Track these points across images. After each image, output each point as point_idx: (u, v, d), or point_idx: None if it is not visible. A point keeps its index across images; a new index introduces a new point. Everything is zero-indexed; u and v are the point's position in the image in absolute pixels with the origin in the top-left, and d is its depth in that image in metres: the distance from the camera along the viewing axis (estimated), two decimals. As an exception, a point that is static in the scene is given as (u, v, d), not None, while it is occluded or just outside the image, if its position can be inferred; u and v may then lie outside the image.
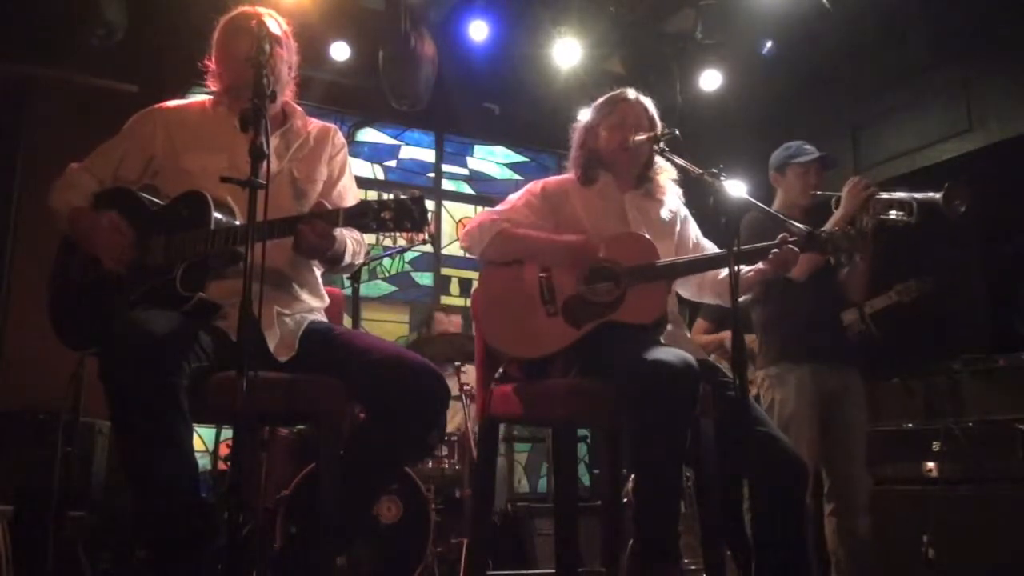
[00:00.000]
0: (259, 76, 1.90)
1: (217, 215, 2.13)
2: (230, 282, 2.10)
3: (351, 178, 2.48)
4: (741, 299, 2.17)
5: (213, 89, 2.41)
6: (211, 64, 2.39)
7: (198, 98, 2.47)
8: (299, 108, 2.46)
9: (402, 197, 1.99)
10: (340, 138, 2.48)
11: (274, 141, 2.30)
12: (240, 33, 2.27)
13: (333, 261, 2.28)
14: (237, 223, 2.15)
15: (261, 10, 2.33)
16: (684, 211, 2.74)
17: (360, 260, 2.39)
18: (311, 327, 2.26)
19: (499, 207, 2.63)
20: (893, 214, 3.09)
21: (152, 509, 1.91)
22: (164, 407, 1.87)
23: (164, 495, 1.89)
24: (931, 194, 3.01)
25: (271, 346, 2.15)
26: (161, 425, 1.87)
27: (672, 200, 2.69)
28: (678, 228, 2.69)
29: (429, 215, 2.06)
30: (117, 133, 2.39)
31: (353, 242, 2.31)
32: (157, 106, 2.40)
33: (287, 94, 2.41)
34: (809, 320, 3.20)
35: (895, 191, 3.13)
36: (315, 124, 2.47)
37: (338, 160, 2.44)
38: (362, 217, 2.01)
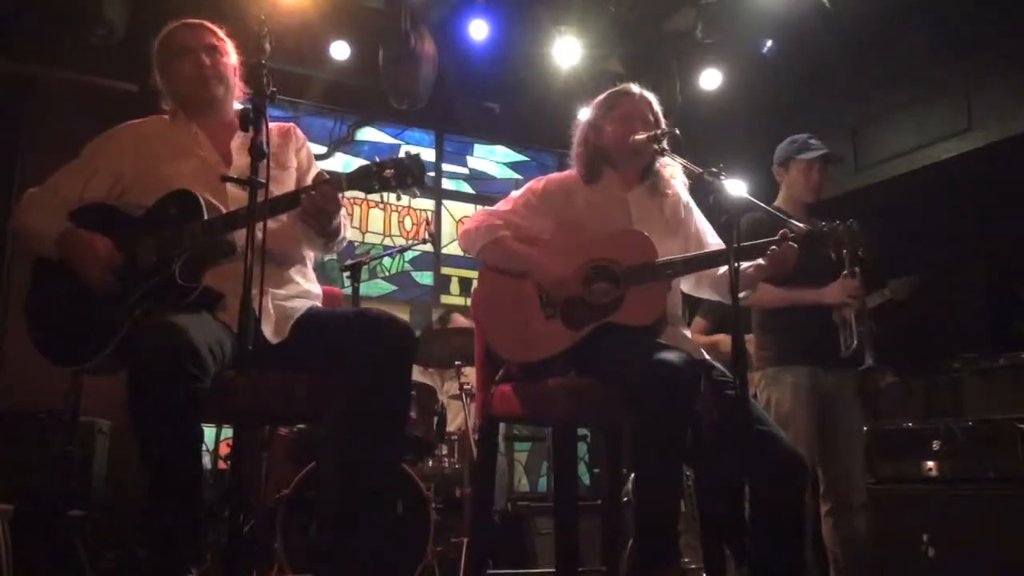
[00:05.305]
0: (259, 76, 1.92)
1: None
2: (227, 267, 2.13)
3: (318, 170, 2.52)
4: (741, 294, 2.16)
5: (165, 107, 2.44)
6: (158, 83, 2.42)
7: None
8: None
9: (399, 156, 2.08)
10: (300, 133, 2.53)
11: (237, 141, 2.34)
12: (181, 53, 2.35)
13: (333, 234, 2.29)
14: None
15: (194, 22, 2.40)
16: (690, 201, 2.68)
17: (347, 233, 2.42)
18: (309, 311, 2.28)
19: (499, 206, 2.62)
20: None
21: (168, 512, 1.91)
22: (191, 415, 1.91)
23: (183, 499, 1.91)
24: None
25: (264, 328, 2.15)
26: (188, 434, 1.92)
27: (678, 190, 2.63)
28: (684, 222, 2.64)
29: (428, 176, 2.13)
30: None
31: (341, 215, 2.34)
32: (119, 126, 2.42)
33: (238, 95, 2.45)
34: (807, 322, 3.19)
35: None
36: (273, 125, 2.51)
37: (304, 153, 2.50)
38: (365, 179, 2.09)
